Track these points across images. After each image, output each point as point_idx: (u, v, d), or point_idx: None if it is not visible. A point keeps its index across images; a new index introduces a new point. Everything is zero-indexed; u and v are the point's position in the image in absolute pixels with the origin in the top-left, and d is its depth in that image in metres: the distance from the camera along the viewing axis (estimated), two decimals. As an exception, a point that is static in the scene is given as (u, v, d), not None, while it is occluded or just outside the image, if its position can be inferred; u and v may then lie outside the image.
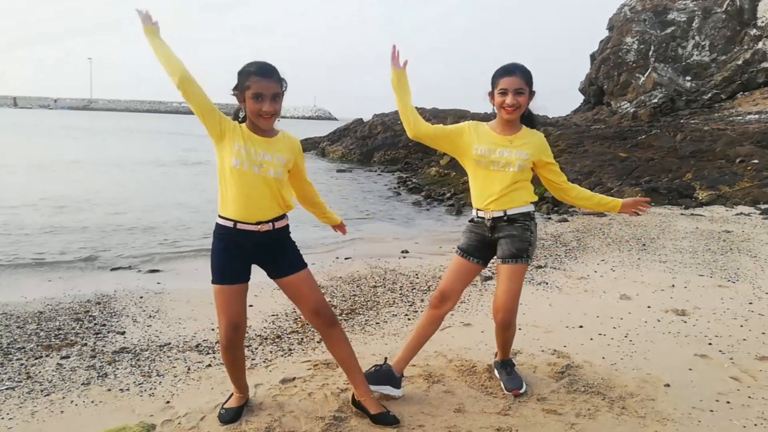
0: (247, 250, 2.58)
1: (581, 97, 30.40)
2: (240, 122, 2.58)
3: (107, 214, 9.99)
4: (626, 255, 6.63)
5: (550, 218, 9.99)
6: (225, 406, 2.82)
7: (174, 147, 30.01)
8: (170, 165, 20.66)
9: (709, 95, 24.39)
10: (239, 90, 2.49)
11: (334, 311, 4.54)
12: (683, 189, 11.38)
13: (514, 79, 2.73)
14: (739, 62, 24.53)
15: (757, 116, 19.61)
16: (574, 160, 14.52)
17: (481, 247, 2.92)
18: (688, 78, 25.31)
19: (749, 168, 12.38)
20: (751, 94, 23.54)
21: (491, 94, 2.85)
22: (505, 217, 2.83)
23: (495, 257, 2.94)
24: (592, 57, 29.71)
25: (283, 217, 2.65)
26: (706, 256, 6.50)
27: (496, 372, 3.22)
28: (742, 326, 4.13)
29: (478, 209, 2.91)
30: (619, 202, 2.94)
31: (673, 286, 5.23)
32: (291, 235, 2.73)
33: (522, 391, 3.02)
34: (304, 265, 2.70)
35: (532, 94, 2.82)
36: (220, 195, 2.55)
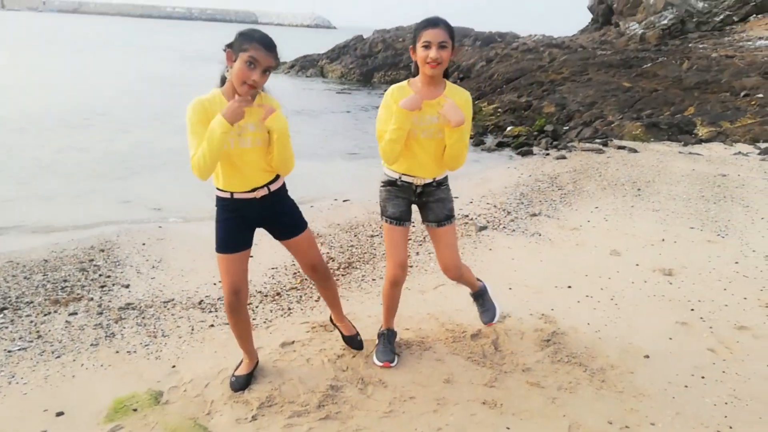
0: (250, 218, 2.71)
1: (589, 16, 29.31)
2: (221, 85, 2.58)
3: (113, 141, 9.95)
4: (620, 201, 6.71)
5: (548, 154, 9.97)
6: (236, 373, 2.99)
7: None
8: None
9: (721, 17, 23.51)
10: (234, 49, 2.46)
11: (333, 264, 4.70)
12: (684, 125, 11.29)
13: (439, 31, 2.63)
14: (756, -19, 23.45)
15: (767, 42, 19.03)
16: (577, 89, 14.26)
17: (408, 211, 3.00)
18: (701, -3, 24.28)
19: (753, 102, 12.20)
20: (765, 16, 22.68)
21: (413, 49, 2.74)
22: (434, 183, 2.94)
23: (424, 220, 3.04)
24: (603, -28, 28.35)
25: (277, 178, 2.73)
26: (699, 204, 6.59)
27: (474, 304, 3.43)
28: (725, 289, 4.27)
29: (403, 173, 2.89)
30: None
31: (663, 240, 5.35)
32: (289, 193, 2.86)
33: (497, 319, 3.34)
34: (305, 227, 2.88)
35: (455, 49, 2.74)
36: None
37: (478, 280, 3.37)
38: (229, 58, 2.48)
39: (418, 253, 5.00)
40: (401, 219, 2.97)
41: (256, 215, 2.72)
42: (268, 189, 2.69)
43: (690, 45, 20.65)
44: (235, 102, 2.41)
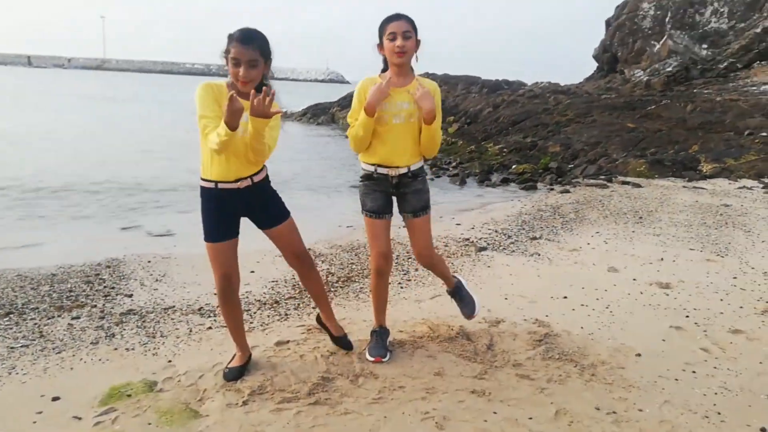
0: (233, 207, 2.81)
1: (595, 65, 29.94)
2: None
3: (120, 175, 10.23)
4: (621, 227, 6.76)
5: (552, 189, 10.09)
6: (229, 365, 3.04)
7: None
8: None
9: (725, 64, 23.93)
10: (226, 53, 2.63)
11: (332, 278, 4.78)
12: (688, 161, 11.40)
13: (401, 22, 2.82)
14: (758, 30, 23.95)
15: (771, 87, 19.30)
16: (581, 130, 14.49)
17: (387, 203, 3.10)
18: (705, 46, 24.83)
19: (757, 141, 12.31)
20: (768, 63, 23.07)
21: (380, 45, 2.92)
22: (410, 174, 3.03)
23: (401, 211, 3.15)
24: (608, 23, 29.12)
25: (261, 170, 2.85)
26: (700, 230, 6.61)
27: (453, 302, 3.50)
28: (722, 300, 4.28)
29: (378, 165, 3.01)
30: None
31: (662, 259, 5.37)
32: (272, 185, 2.94)
33: (477, 312, 3.40)
34: (287, 216, 2.96)
35: (418, 42, 2.89)
36: (203, 158, 2.74)
37: (454, 276, 3.44)
38: (226, 62, 2.65)
39: (417, 269, 5.06)
40: (380, 212, 3.08)
41: (239, 205, 2.81)
42: (251, 180, 2.79)
43: (695, 91, 20.99)
44: (225, 107, 2.43)
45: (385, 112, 2.90)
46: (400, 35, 2.81)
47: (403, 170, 3.01)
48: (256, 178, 2.81)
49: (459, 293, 3.43)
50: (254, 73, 2.64)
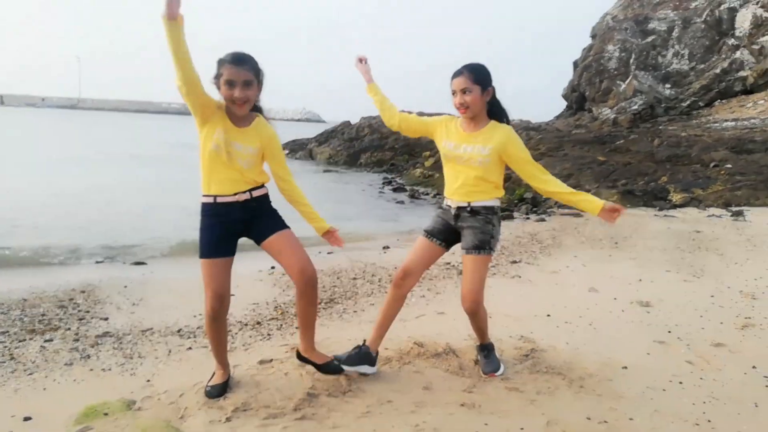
0: (231, 223, 2.76)
1: (564, 103, 30.83)
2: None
3: (94, 209, 10.03)
4: (598, 252, 6.84)
5: (528, 218, 10.20)
6: (210, 383, 2.93)
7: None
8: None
9: (688, 102, 24.91)
10: (216, 78, 2.65)
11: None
12: (658, 191, 11.68)
13: (460, 79, 2.88)
14: (717, 71, 25.07)
15: (733, 123, 20.08)
16: (554, 163, 14.77)
17: (445, 231, 3.09)
18: (668, 86, 25.82)
19: (722, 172, 12.71)
20: (728, 101, 24.06)
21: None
22: (469, 208, 2.98)
23: (459, 246, 3.10)
24: (575, 64, 30.17)
25: (261, 187, 2.83)
26: (675, 253, 6.74)
27: (477, 356, 3.34)
28: (702, 316, 4.33)
29: (445, 197, 3.09)
30: (600, 204, 2.83)
31: (641, 280, 5.44)
32: (272, 204, 2.91)
33: (499, 374, 3.17)
34: (286, 227, 2.88)
35: (487, 89, 2.92)
36: (203, 175, 2.73)
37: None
38: (217, 87, 2.67)
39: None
40: (432, 234, 3.11)
41: (237, 219, 2.78)
42: (251, 194, 2.79)
43: (660, 127, 21.72)
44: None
45: (450, 153, 2.99)
46: (459, 92, 2.89)
47: (462, 204, 2.99)
48: (255, 193, 2.79)
49: (489, 352, 3.27)
50: (250, 92, 2.65)
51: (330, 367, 3.04)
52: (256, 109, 2.83)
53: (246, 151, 2.71)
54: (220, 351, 2.97)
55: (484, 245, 2.97)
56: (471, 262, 2.99)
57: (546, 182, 2.91)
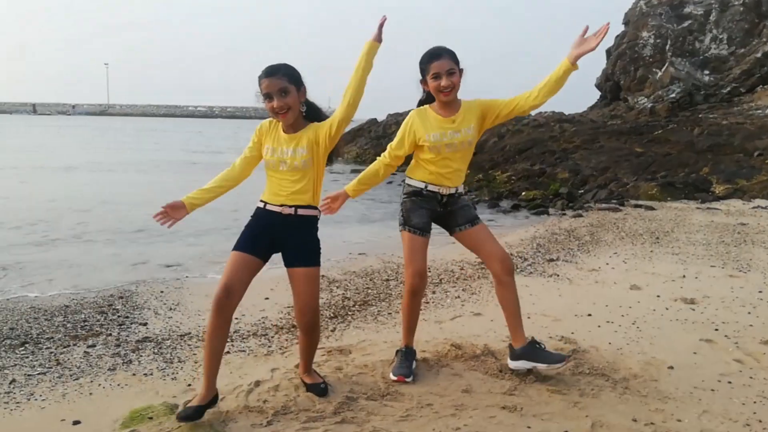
0: (270, 228, 2.79)
1: (598, 93, 30.18)
2: None
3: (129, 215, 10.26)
4: (639, 248, 6.67)
5: (564, 214, 10.03)
6: (188, 404, 2.71)
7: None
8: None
9: (728, 89, 24.08)
10: (258, 95, 2.75)
11: (348, 302, 4.70)
12: (699, 183, 11.34)
13: (443, 61, 2.84)
14: (758, 55, 24.17)
15: (777, 109, 19.36)
16: (590, 156, 14.50)
17: (430, 222, 3.08)
18: (707, 72, 25.02)
19: (767, 161, 12.27)
20: (772, 86, 23.19)
21: (423, 81, 2.97)
22: (457, 194, 3.04)
23: (454, 226, 3.09)
24: (608, 52, 29.46)
25: (309, 206, 2.81)
26: (719, 248, 6.52)
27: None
28: (749, 313, 4.18)
29: (429, 183, 3.00)
30: (565, 60, 2.76)
31: (684, 276, 5.28)
32: (318, 232, 2.87)
33: (563, 365, 2.99)
34: (310, 264, 2.79)
35: (461, 71, 2.91)
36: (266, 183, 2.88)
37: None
38: (264, 102, 2.74)
39: (434, 292, 4.98)
40: (423, 229, 3.05)
41: (276, 229, 2.78)
42: (295, 211, 2.77)
43: (700, 116, 21.07)
44: None
45: (438, 143, 2.93)
46: (444, 75, 2.84)
47: (452, 191, 3.03)
48: (301, 211, 2.78)
49: (541, 351, 3.05)
50: (288, 100, 2.67)
51: (316, 389, 2.93)
52: (314, 115, 2.83)
53: (298, 154, 2.73)
54: (212, 362, 2.72)
55: (477, 214, 3.14)
56: (484, 229, 3.07)
57: (528, 96, 2.86)
